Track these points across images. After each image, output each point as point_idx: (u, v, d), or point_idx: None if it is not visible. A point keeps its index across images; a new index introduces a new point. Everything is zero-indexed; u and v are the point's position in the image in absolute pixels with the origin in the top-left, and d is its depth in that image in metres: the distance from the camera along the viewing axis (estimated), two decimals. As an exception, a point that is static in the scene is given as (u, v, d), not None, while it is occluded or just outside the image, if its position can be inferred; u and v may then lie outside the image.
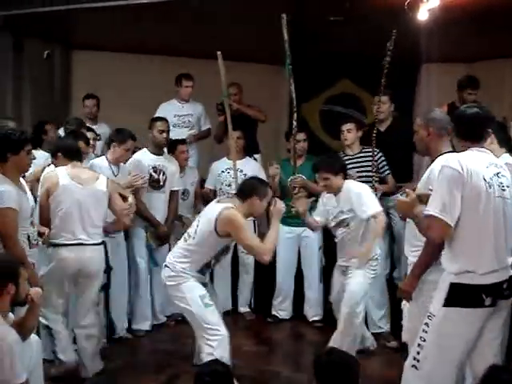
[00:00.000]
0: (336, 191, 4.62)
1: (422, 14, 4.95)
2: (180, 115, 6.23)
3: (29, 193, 4.03)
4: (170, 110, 6.17)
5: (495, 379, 2.43)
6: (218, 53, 4.97)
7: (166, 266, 4.16)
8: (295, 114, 5.22)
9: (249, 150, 5.95)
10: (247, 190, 4.16)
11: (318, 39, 6.41)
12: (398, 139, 5.38)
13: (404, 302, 3.60)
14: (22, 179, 4.03)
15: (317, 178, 4.74)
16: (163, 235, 5.36)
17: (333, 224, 4.70)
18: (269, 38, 5.07)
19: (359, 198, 4.48)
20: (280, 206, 4.15)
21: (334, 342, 4.39)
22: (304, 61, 7.03)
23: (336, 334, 4.48)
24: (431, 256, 3.21)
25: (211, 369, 2.84)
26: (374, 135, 5.15)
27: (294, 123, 5.24)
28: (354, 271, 4.54)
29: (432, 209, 3.03)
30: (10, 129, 4.00)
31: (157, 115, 5.96)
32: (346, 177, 4.69)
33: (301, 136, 5.51)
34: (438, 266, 3.22)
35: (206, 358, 3.85)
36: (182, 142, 5.81)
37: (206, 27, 5.86)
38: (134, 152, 5.35)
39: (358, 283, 4.51)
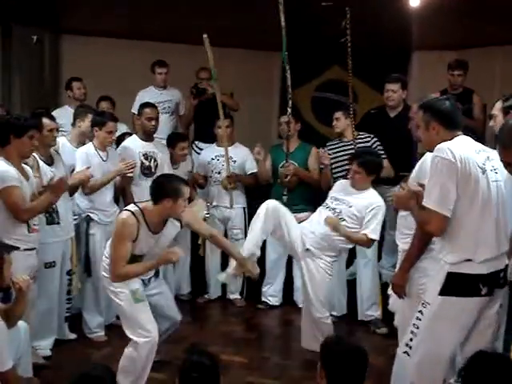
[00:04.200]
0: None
1: (414, 1, 4.94)
2: (160, 102, 6.17)
3: (31, 179, 4.07)
4: (149, 97, 6.09)
5: (477, 367, 2.40)
6: (205, 36, 4.92)
7: (105, 256, 3.96)
8: (290, 102, 5.19)
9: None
10: (157, 192, 3.75)
11: (310, 25, 6.37)
12: (404, 127, 5.35)
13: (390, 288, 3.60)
14: (25, 166, 4.07)
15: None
16: None
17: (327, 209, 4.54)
18: (261, 23, 5.03)
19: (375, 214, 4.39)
20: (175, 253, 3.82)
21: None
22: (295, 47, 7.02)
23: None
24: (421, 249, 3.23)
25: (198, 362, 2.66)
26: (352, 117, 5.10)
27: (289, 110, 5.21)
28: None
29: (429, 202, 3.00)
30: (16, 115, 4.17)
31: (137, 103, 5.94)
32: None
33: (291, 117, 5.37)
34: (430, 253, 3.24)
35: (124, 359, 3.76)
36: (183, 138, 5.65)
37: (199, 13, 5.82)
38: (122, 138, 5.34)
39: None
